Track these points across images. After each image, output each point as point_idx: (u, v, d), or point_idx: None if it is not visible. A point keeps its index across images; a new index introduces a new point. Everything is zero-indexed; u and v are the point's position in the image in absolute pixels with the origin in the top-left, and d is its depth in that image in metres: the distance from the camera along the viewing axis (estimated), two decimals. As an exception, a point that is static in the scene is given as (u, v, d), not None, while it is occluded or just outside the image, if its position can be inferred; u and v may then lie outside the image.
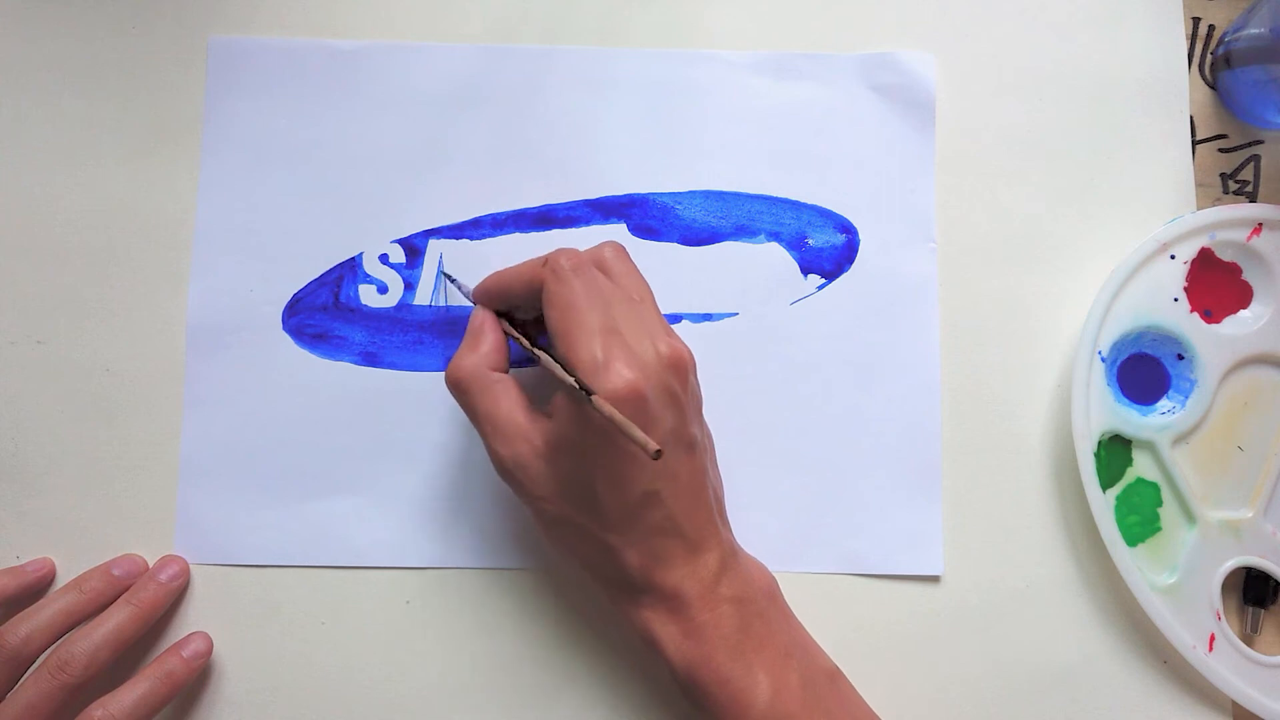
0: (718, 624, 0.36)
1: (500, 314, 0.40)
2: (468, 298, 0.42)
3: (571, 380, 0.34)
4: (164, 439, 0.43)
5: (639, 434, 0.33)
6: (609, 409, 0.33)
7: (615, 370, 0.34)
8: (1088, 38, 0.46)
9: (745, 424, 0.43)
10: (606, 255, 0.38)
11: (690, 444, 0.37)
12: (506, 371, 0.39)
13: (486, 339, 0.39)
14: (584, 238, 0.44)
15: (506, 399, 0.37)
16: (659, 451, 0.32)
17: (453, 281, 0.43)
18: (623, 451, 0.35)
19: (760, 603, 0.37)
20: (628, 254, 0.39)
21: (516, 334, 0.39)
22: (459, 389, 0.38)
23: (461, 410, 0.39)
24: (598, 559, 0.37)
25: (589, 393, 0.34)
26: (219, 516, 0.43)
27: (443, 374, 0.43)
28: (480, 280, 0.40)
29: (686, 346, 0.37)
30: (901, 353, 0.44)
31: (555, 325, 0.36)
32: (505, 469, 0.37)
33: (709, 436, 0.40)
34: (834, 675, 0.38)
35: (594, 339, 0.35)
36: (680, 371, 0.36)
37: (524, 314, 0.40)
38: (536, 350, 0.38)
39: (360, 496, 0.43)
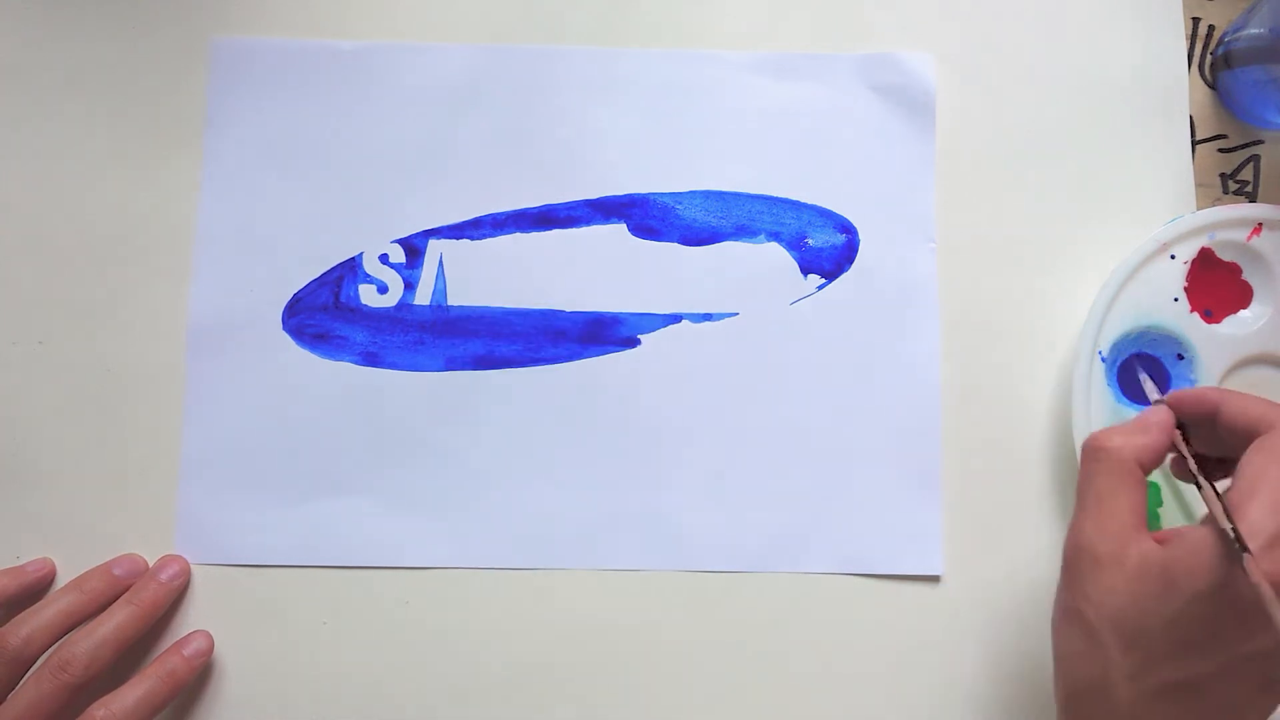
0: None
1: (1178, 426, 0.37)
2: (1156, 394, 0.40)
3: (1230, 525, 0.30)
4: (164, 439, 0.43)
5: None
6: (1259, 576, 0.29)
7: None
8: (1088, 38, 0.46)
9: (745, 424, 0.43)
10: None
11: None
12: (1147, 479, 0.35)
13: (1151, 434, 0.35)
14: (584, 237, 0.44)
15: (1132, 493, 0.34)
16: None
17: (1148, 377, 0.41)
18: (1234, 617, 0.31)
19: None
20: None
21: (1185, 451, 0.36)
22: (1096, 456, 0.35)
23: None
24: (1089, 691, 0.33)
25: (1244, 548, 0.30)
26: (219, 516, 0.43)
27: (442, 374, 0.44)
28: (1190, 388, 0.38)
29: None
30: (901, 353, 0.44)
31: (1250, 472, 0.32)
32: (1080, 549, 0.34)
33: None
34: None
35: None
36: None
37: (1204, 448, 0.36)
38: (1203, 478, 0.34)
39: (360, 496, 0.43)
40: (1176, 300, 0.43)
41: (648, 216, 0.45)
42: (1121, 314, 0.43)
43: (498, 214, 0.45)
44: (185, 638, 0.41)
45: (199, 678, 0.42)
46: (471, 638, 0.43)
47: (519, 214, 0.45)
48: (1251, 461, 0.32)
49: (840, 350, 0.44)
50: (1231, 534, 0.30)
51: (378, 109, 0.45)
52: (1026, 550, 0.43)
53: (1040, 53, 0.46)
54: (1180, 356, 0.43)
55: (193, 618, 0.43)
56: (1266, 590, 0.29)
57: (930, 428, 0.44)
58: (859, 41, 0.46)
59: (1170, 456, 0.37)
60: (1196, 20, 0.46)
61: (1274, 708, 0.32)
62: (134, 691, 0.39)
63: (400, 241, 0.44)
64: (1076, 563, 0.34)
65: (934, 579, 0.43)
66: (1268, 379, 0.43)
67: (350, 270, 0.44)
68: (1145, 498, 0.34)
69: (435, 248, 0.44)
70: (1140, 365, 0.42)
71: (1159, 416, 0.36)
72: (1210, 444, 0.36)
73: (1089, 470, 0.35)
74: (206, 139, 0.45)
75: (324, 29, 0.45)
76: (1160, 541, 0.32)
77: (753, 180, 0.45)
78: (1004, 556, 0.43)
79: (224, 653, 0.42)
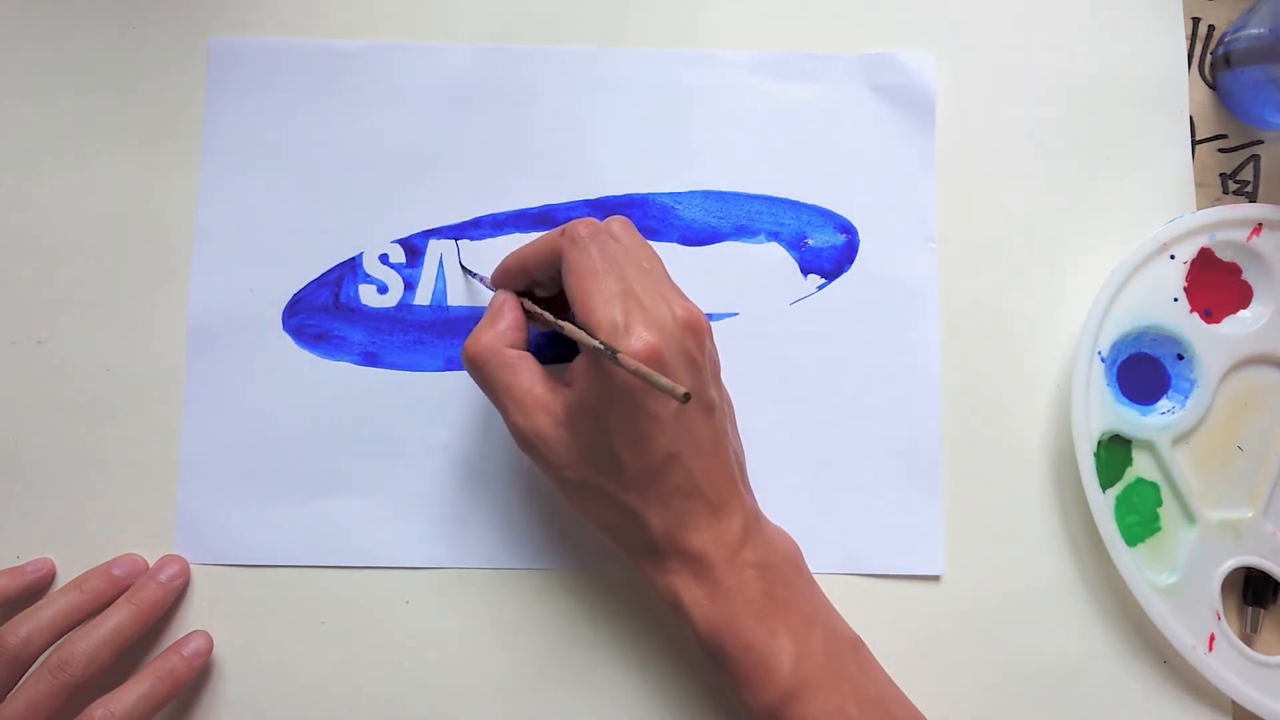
0: (742, 588, 0.36)
1: (520, 295, 0.40)
2: (488, 286, 0.42)
3: (595, 342, 0.34)
4: (164, 439, 0.43)
5: (664, 380, 0.33)
6: (634, 362, 0.33)
7: (635, 332, 0.35)
8: (1088, 38, 0.46)
9: (744, 424, 0.43)
10: (615, 229, 0.39)
11: (709, 406, 0.37)
12: (525, 349, 0.39)
13: (505, 317, 0.39)
14: (584, 238, 0.44)
15: (525, 372, 0.38)
16: (687, 394, 0.32)
17: (474, 276, 0.43)
18: (644, 412, 0.35)
19: (784, 568, 0.38)
20: (634, 227, 0.40)
21: (537, 309, 0.39)
22: (475, 364, 0.38)
23: (479, 390, 0.39)
24: (622, 523, 0.37)
25: (614, 351, 0.34)
26: (219, 516, 0.43)
27: (442, 374, 0.44)
28: (498, 265, 0.41)
29: (701, 310, 0.37)
30: (901, 353, 0.44)
31: (574, 291, 0.36)
32: (526, 441, 0.38)
33: (728, 401, 0.40)
34: (856, 644, 0.39)
35: (613, 303, 0.35)
36: (697, 334, 0.37)
37: (544, 291, 0.41)
38: (559, 321, 0.38)
39: (360, 496, 0.43)
40: (1176, 300, 0.43)
41: (647, 216, 0.45)
42: (1121, 314, 0.43)
43: (498, 214, 0.45)
44: (184, 638, 0.41)
45: (198, 678, 0.42)
46: (471, 638, 0.43)
47: (519, 214, 0.45)
48: (570, 287, 0.36)
49: (840, 350, 0.44)
50: (601, 346, 0.34)
51: (377, 109, 0.45)
52: (1026, 550, 0.43)
53: (1040, 52, 0.46)
54: (1180, 356, 0.43)
55: (192, 618, 0.43)
56: (641, 368, 0.33)
57: (930, 428, 0.44)
58: (859, 41, 0.46)
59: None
60: (1196, 20, 0.46)
61: (722, 425, 0.38)
62: (133, 691, 0.39)
63: (400, 241, 0.44)
64: (532, 449, 0.38)
65: (934, 579, 0.43)
66: (1268, 379, 0.43)
67: (350, 270, 0.44)
68: (534, 363, 0.38)
69: (435, 248, 0.44)
70: (466, 270, 0.44)
71: (500, 299, 0.40)
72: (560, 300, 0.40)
73: (483, 377, 0.38)
74: (205, 138, 0.45)
75: (323, 29, 0.45)
76: (569, 383, 0.37)
77: (752, 180, 0.45)
78: (1004, 556, 0.43)
79: (223, 653, 0.42)
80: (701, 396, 0.37)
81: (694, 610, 0.36)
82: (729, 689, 0.37)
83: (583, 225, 0.38)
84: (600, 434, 0.36)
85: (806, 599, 0.38)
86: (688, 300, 0.38)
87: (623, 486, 0.36)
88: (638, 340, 0.34)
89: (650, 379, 0.33)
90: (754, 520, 0.38)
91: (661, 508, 0.36)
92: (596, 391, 0.35)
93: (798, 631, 0.36)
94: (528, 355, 0.39)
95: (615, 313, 0.35)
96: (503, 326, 0.39)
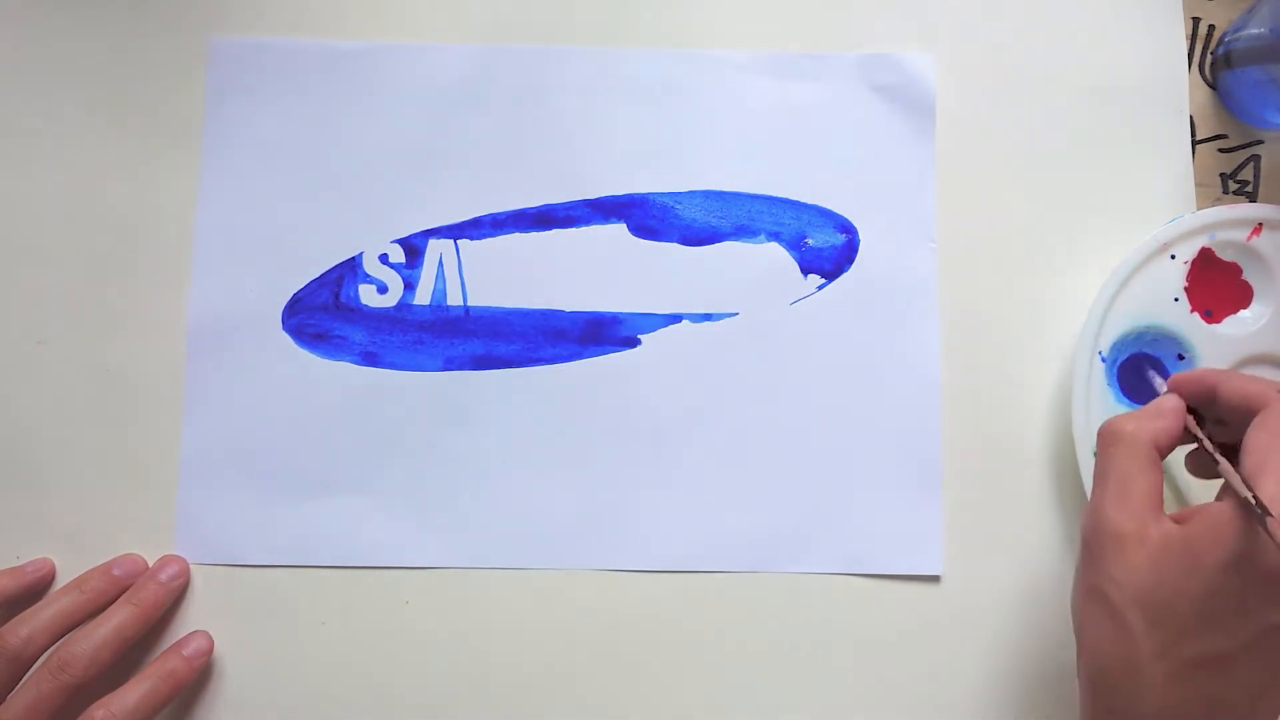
0: None
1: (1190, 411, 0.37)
2: (1162, 382, 0.40)
3: (1250, 493, 0.31)
4: (164, 439, 0.43)
5: None
6: None
7: None
8: (1088, 38, 0.46)
9: (745, 424, 0.43)
10: None
11: None
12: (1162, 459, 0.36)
13: (1165, 419, 0.36)
14: (583, 237, 0.44)
15: (1150, 475, 0.34)
16: None
17: (1155, 373, 0.42)
18: (1243, 602, 0.31)
19: None
20: None
21: (1199, 432, 0.36)
22: (1113, 439, 0.35)
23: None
24: (1113, 670, 0.33)
25: (1265, 512, 0.30)
26: (219, 516, 0.43)
27: (442, 374, 0.44)
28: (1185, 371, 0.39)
29: None
30: (901, 353, 0.44)
31: (1256, 445, 0.33)
32: (1100, 530, 0.34)
33: None
34: None
35: None
36: None
37: (1214, 424, 0.37)
38: (1219, 456, 0.34)
39: (360, 496, 0.43)
40: (1176, 300, 0.43)
41: (647, 216, 0.45)
42: (1121, 314, 0.43)
43: (497, 214, 0.45)
44: (185, 638, 0.42)
45: (199, 678, 0.42)
46: (471, 638, 0.43)
47: (519, 214, 0.45)
48: (1255, 439, 0.33)
49: (840, 350, 0.44)
50: (1252, 500, 0.30)
51: (377, 109, 0.45)
52: (1026, 550, 0.43)
53: (1040, 53, 0.46)
54: (1180, 357, 0.43)
55: (192, 618, 0.43)
56: None
57: (930, 428, 0.44)
58: (859, 41, 0.46)
59: (1186, 453, 0.38)
60: (1196, 20, 0.46)
61: None
62: (134, 692, 0.39)
63: (400, 241, 0.44)
64: (1098, 543, 0.34)
65: (934, 579, 0.43)
66: (1268, 379, 0.43)
67: (350, 270, 0.44)
68: (1162, 480, 0.34)
69: (435, 248, 0.44)
70: (1146, 364, 0.43)
71: (1170, 403, 0.37)
72: (1218, 433, 0.37)
73: (1108, 454, 0.35)
74: (206, 139, 0.45)
75: (323, 29, 0.45)
76: (1179, 521, 0.33)
77: (753, 180, 0.45)
78: (1004, 556, 0.43)
79: (224, 653, 0.42)
80: None
81: None
82: None
83: None
84: (1175, 585, 0.32)
85: None
86: None
87: (1153, 650, 0.32)
88: None
89: None
90: None
91: (1178, 713, 0.32)
92: (1210, 541, 0.31)
93: None
94: (1161, 466, 0.35)
95: None
96: (1158, 425, 0.35)
